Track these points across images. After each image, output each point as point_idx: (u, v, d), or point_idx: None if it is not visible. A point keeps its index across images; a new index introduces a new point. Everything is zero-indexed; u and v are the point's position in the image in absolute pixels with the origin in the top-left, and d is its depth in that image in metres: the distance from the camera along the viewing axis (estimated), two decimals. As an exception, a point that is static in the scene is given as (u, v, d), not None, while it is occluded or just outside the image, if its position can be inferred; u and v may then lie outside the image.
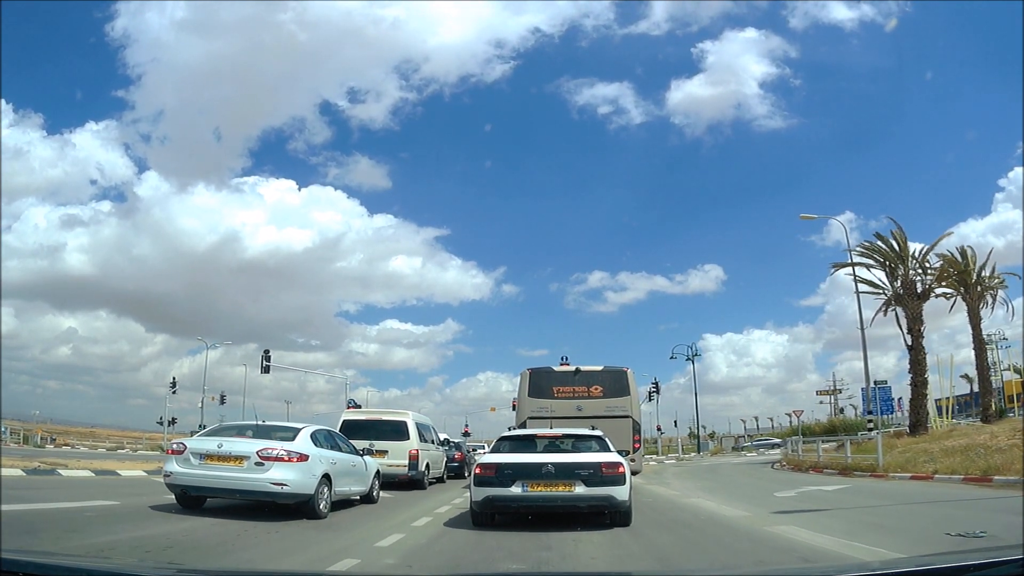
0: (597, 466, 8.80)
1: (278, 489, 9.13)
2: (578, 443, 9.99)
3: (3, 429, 50.03)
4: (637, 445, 19.76)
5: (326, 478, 9.97)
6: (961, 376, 52.95)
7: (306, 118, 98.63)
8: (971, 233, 77.84)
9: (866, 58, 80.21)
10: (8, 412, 60.17)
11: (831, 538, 7.93)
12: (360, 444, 13.63)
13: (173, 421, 51.38)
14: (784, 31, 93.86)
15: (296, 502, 9.44)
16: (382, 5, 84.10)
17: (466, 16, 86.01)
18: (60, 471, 16.35)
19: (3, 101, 72.63)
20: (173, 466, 9.55)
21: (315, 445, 10.26)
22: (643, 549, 7.57)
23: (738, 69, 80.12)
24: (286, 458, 9.32)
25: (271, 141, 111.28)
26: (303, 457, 9.58)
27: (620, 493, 8.71)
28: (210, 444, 9.56)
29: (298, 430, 10.36)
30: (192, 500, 9.89)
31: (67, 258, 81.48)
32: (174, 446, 9.98)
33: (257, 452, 9.24)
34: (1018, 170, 74.52)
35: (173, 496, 9.91)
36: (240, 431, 10.40)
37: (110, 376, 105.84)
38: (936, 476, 16.73)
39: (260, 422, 10.80)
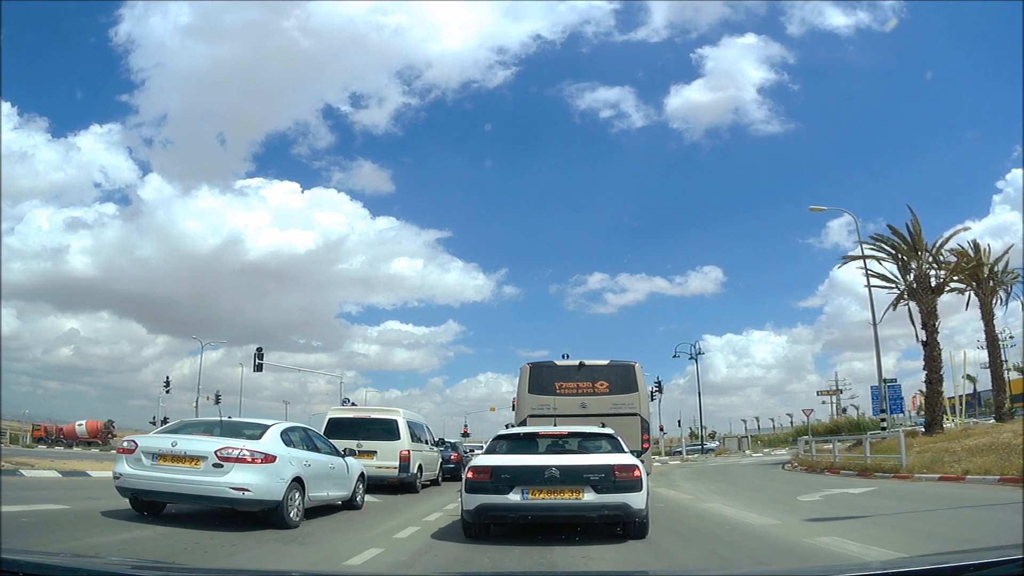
0: (609, 469, 7.39)
1: (239, 495, 7.78)
2: (586, 442, 8.50)
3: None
4: (646, 445, 18.27)
5: (298, 482, 8.61)
6: (963, 376, 52.13)
7: (309, 123, 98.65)
8: (968, 235, 77.35)
9: (864, 61, 79.59)
10: (8, 413, 59.03)
11: (889, 552, 6.59)
12: (346, 444, 12.36)
13: (165, 421, 49.94)
14: (782, 37, 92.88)
15: (261, 509, 8.10)
16: (384, 11, 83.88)
17: (468, 23, 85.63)
18: (23, 471, 14.97)
19: (7, 104, 72.27)
20: (123, 467, 8.21)
21: (285, 445, 8.91)
22: (667, 568, 6.25)
23: (736, 74, 79.43)
24: (249, 459, 7.98)
25: (275, 146, 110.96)
26: (269, 458, 8.24)
27: (636, 501, 7.30)
28: (163, 443, 8.22)
29: (267, 427, 9.01)
30: (147, 505, 8.56)
31: (70, 260, 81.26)
32: (124, 444, 8.62)
33: (215, 452, 7.90)
34: (1016, 172, 73.58)
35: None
36: (207, 428, 9.08)
37: (111, 376, 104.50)
38: (968, 477, 15.36)
39: (227, 418, 9.47)
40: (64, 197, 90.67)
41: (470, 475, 7.62)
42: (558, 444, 8.58)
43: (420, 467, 15.70)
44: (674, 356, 54.30)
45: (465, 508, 7.53)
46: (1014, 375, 51.07)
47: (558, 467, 7.40)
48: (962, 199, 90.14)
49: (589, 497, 7.22)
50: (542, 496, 7.24)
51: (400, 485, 14.70)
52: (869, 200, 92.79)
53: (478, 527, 7.67)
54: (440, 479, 18.56)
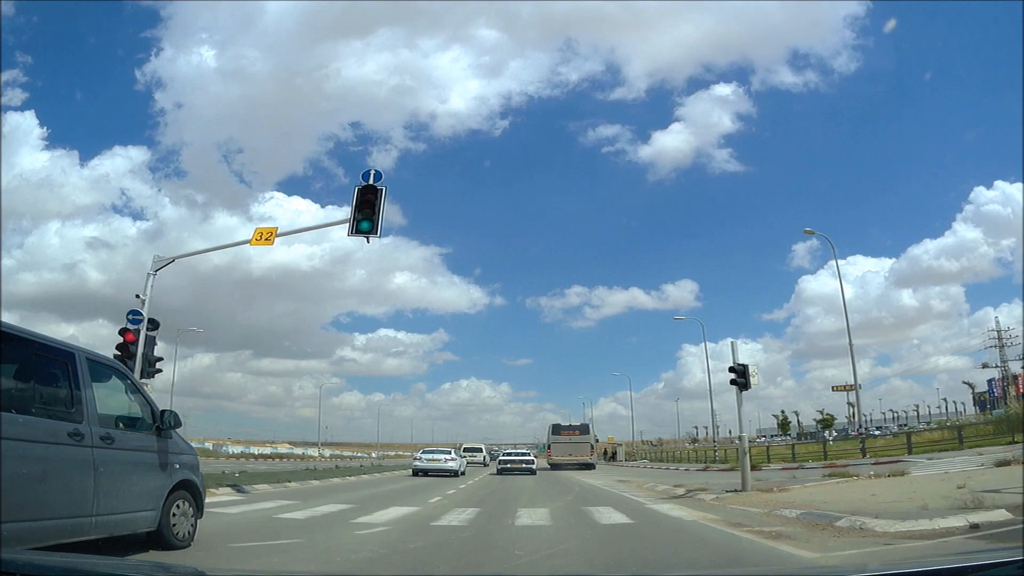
0: (530, 460, 29.69)
1: (451, 467, 28.43)
2: (524, 455, 30.93)
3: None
4: (592, 453, 39.99)
5: (461, 463, 29.50)
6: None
7: (324, 164, 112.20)
8: (923, 254, 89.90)
9: (818, 108, 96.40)
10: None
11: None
12: (470, 453, 34.57)
13: None
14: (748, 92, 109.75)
15: (455, 473, 28.65)
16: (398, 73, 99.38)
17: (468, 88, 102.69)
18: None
19: (42, 129, 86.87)
20: (416, 461, 29.13)
21: (456, 454, 29.89)
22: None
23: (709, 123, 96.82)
24: (451, 458, 28.77)
25: (293, 183, 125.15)
26: (455, 459, 29.02)
27: (534, 467, 29.64)
28: (429, 454, 29.22)
29: (451, 451, 30.10)
30: (420, 472, 29.16)
31: (84, 274, 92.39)
32: (416, 454, 29.81)
33: (444, 457, 28.74)
34: (979, 189, 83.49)
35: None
36: (439, 451, 30.13)
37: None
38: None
39: (439, 446, 30.58)
40: (86, 217, 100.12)
41: (500, 460, 30.31)
42: (515, 454, 30.89)
43: (484, 459, 37.67)
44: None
45: (497, 467, 29.88)
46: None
47: (517, 460, 29.57)
48: (922, 219, 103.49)
49: (524, 465, 29.06)
50: (513, 465, 29.22)
51: (483, 465, 36.71)
52: (833, 224, 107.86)
53: (499, 471, 29.46)
54: (486, 463, 40.90)
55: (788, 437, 76.31)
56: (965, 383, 67.05)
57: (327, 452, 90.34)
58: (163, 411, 6.66)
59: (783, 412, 78.36)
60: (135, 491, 6.09)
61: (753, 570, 6.18)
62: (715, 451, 42.47)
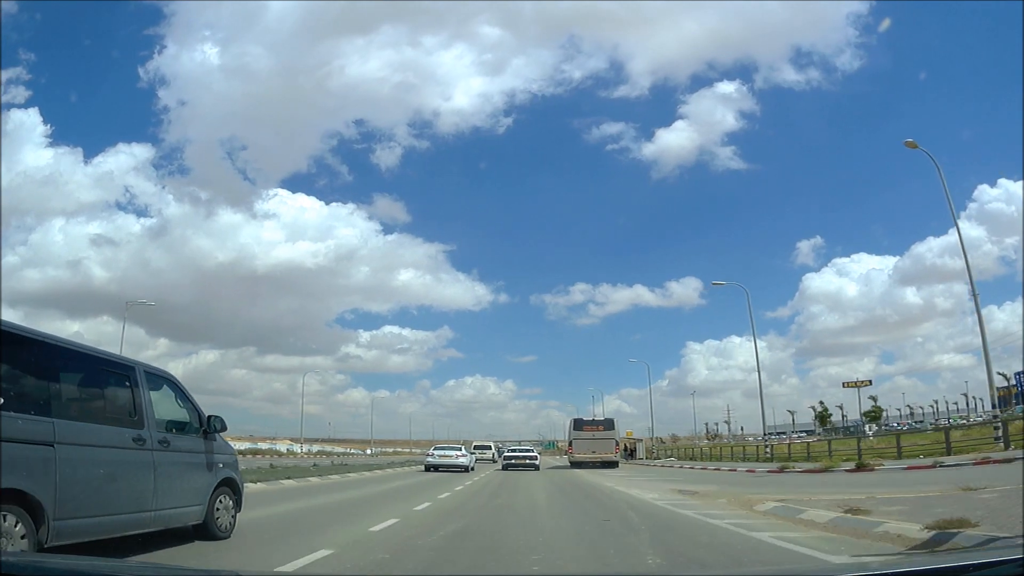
0: (533, 456, 31.14)
1: (462, 463, 29.20)
2: (528, 451, 32.45)
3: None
4: (617, 450, 39.33)
5: (472, 459, 30.34)
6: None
7: (328, 161, 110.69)
8: (927, 252, 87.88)
9: (821, 104, 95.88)
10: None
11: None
12: (481, 450, 35.78)
13: None
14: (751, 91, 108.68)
15: (466, 469, 29.35)
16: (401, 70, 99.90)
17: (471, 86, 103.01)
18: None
19: (46, 127, 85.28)
20: (429, 457, 29.98)
21: (467, 451, 30.79)
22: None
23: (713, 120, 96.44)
24: (462, 455, 29.59)
25: (297, 180, 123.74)
26: (465, 455, 29.86)
27: (537, 463, 30.83)
28: (441, 450, 30.09)
29: (461, 447, 30.93)
30: (432, 468, 29.86)
31: (88, 271, 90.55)
32: (430, 451, 30.68)
33: (455, 453, 29.57)
34: (982, 187, 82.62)
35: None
36: (451, 447, 31.05)
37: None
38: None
39: (452, 442, 31.38)
40: (90, 214, 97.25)
41: (505, 456, 32.25)
42: (520, 451, 32.42)
43: (493, 456, 38.51)
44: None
45: (502, 462, 31.47)
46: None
47: (522, 456, 31.04)
48: (925, 217, 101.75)
49: (528, 462, 30.44)
50: (518, 461, 30.79)
51: (492, 461, 37.50)
52: (835, 224, 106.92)
53: (504, 467, 30.76)
54: (495, 459, 42.13)
55: (815, 433, 76.00)
56: (1000, 374, 65.34)
57: (314, 448, 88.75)
58: (209, 416, 7.37)
59: (822, 403, 78.74)
60: (186, 488, 6.79)
61: (756, 569, 5.95)
62: (767, 446, 36.88)
